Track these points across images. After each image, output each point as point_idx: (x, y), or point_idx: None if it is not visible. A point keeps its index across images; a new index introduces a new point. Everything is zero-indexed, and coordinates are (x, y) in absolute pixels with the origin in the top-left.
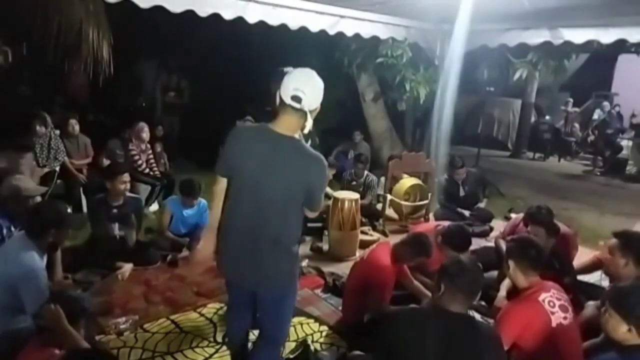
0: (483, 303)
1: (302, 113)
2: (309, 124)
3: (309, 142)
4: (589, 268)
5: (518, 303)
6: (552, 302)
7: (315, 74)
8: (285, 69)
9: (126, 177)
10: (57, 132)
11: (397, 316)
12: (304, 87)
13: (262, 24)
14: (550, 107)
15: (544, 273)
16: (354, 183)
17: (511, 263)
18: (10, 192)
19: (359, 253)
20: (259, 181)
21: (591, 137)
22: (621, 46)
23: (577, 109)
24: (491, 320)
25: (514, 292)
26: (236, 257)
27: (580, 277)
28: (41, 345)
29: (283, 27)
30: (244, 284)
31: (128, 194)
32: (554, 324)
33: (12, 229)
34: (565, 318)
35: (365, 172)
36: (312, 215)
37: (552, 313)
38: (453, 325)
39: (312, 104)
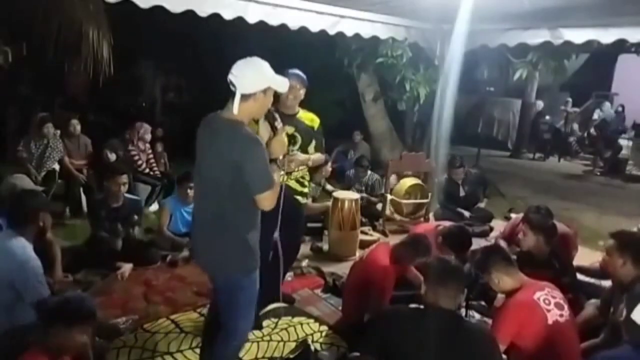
0: (483, 303)
1: (241, 97)
2: (235, 105)
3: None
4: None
5: (513, 302)
6: (548, 300)
7: (255, 61)
8: (291, 71)
9: (124, 178)
10: (58, 132)
11: (388, 315)
12: (237, 72)
13: (262, 24)
14: (550, 107)
15: (544, 273)
16: (357, 185)
17: (493, 273)
18: (9, 191)
19: (359, 253)
20: (200, 165)
21: (591, 137)
22: (621, 46)
23: (577, 109)
24: (491, 321)
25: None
26: (194, 239)
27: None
28: (43, 351)
29: (283, 27)
30: (201, 265)
31: (128, 195)
32: (550, 322)
33: None
34: (561, 315)
35: (369, 172)
36: (263, 207)
37: (548, 311)
38: (443, 321)
39: (246, 87)
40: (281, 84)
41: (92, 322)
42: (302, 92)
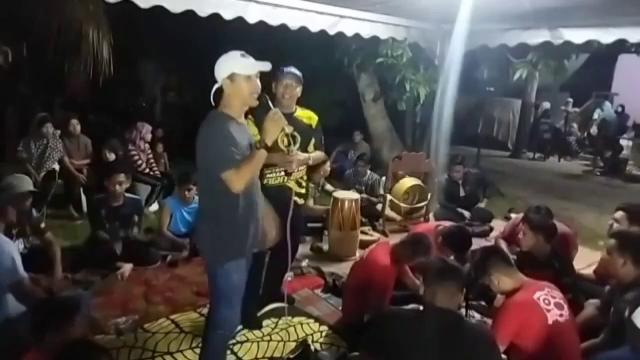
0: (483, 303)
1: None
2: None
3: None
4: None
5: (513, 302)
6: (547, 300)
7: (227, 53)
8: (286, 69)
9: (121, 177)
10: (58, 132)
11: (388, 315)
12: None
13: (262, 24)
14: (550, 107)
15: (544, 273)
16: (357, 185)
17: (493, 275)
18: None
19: (359, 253)
20: None
21: (591, 137)
22: (621, 46)
23: (577, 109)
24: (491, 321)
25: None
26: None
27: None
28: (44, 351)
29: (283, 27)
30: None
31: (128, 195)
32: (550, 322)
33: None
34: (561, 315)
35: (368, 172)
36: (232, 188)
37: (548, 311)
38: (443, 321)
39: (217, 78)
40: (245, 66)
41: (81, 314)
42: (299, 89)
